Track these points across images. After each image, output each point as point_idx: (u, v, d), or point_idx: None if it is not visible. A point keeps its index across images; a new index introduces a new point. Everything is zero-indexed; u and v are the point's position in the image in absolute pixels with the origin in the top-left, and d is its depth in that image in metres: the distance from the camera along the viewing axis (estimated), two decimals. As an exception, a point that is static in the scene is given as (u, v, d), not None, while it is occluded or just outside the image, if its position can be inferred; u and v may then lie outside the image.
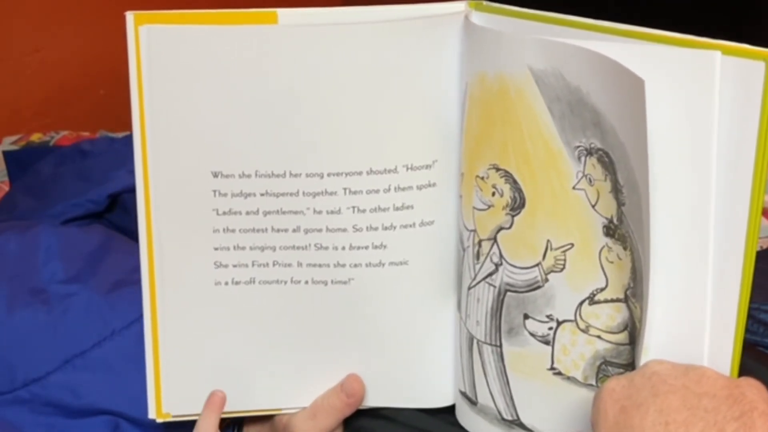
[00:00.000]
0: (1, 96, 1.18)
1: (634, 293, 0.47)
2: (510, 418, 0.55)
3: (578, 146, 0.47)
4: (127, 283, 0.62)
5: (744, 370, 0.46)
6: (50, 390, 0.59)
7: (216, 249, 0.54)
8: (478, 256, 0.53)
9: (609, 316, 0.48)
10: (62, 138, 1.07)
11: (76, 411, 0.59)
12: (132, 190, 0.74)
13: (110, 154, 0.86)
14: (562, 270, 0.49)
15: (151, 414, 0.56)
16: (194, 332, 0.56)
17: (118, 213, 0.79)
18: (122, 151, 0.84)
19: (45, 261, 0.64)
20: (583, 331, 0.49)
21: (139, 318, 0.58)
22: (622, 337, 0.48)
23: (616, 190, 0.46)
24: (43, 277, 0.63)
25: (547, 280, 0.50)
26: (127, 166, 0.76)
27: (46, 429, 0.59)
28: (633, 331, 0.48)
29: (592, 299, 0.49)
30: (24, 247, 0.65)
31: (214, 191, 0.53)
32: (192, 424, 0.57)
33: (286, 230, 0.54)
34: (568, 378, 0.51)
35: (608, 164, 0.46)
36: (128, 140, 0.88)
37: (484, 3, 0.51)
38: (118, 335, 0.60)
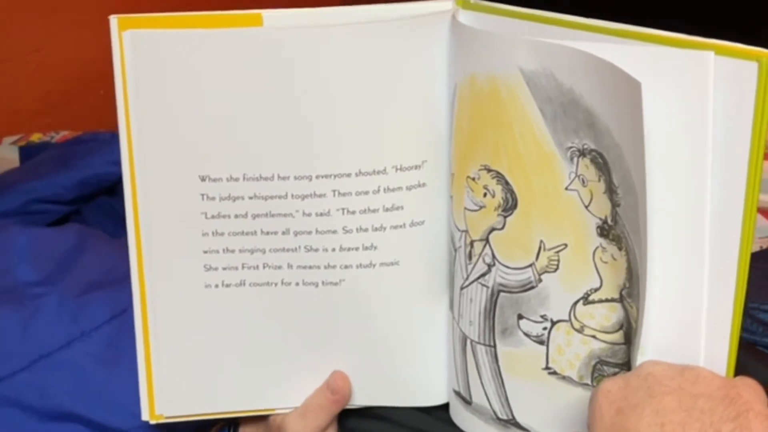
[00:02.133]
0: (1, 96, 1.18)
1: (630, 293, 0.47)
2: (505, 417, 0.54)
3: (570, 147, 0.47)
4: (99, 285, 0.63)
5: (743, 370, 0.45)
6: (18, 389, 0.59)
7: (205, 252, 0.54)
8: (470, 256, 0.53)
9: (604, 316, 0.48)
10: (62, 138, 1.07)
11: (42, 413, 0.59)
12: (107, 179, 0.75)
13: (93, 144, 0.87)
14: (555, 270, 0.49)
15: (144, 416, 0.56)
16: (186, 334, 0.56)
17: (118, 201, 0.79)
18: (108, 141, 0.85)
19: (17, 262, 0.64)
20: (577, 331, 0.49)
21: (110, 320, 0.58)
22: (618, 336, 0.48)
23: (611, 191, 0.46)
24: (14, 278, 0.63)
25: (540, 280, 0.50)
26: (104, 155, 0.77)
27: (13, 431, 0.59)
28: (628, 330, 0.47)
29: (586, 299, 0.48)
30: None
31: (202, 195, 0.53)
32: (180, 425, 0.57)
33: (275, 233, 0.54)
34: (564, 378, 0.50)
35: (602, 165, 0.46)
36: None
37: (472, 1, 0.51)
38: (88, 336, 0.60)
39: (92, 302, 0.61)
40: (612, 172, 0.45)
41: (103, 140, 0.90)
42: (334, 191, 0.52)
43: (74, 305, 0.61)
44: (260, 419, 0.60)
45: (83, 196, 0.80)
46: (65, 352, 0.60)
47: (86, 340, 0.60)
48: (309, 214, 0.53)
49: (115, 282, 0.62)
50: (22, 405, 0.59)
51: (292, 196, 0.53)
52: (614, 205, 0.46)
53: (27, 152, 1.00)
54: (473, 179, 0.52)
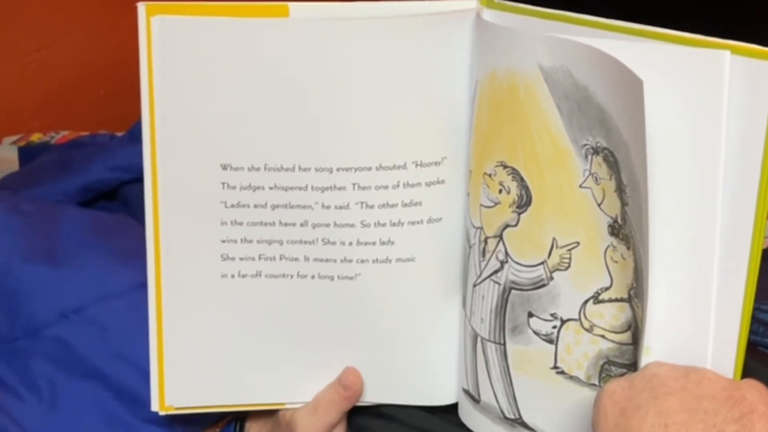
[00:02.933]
0: (1, 96, 1.17)
1: (637, 293, 0.47)
2: (512, 416, 0.55)
3: (585, 144, 0.47)
4: (136, 253, 0.64)
5: (744, 370, 0.46)
6: (46, 343, 0.61)
7: (223, 241, 0.54)
8: (484, 253, 0.54)
9: (613, 316, 0.48)
10: (62, 138, 1.07)
11: (68, 365, 0.60)
12: (107, 184, 0.76)
13: (93, 147, 0.88)
14: (567, 268, 0.49)
15: (154, 407, 0.56)
16: (199, 324, 0.56)
17: (117, 205, 0.80)
18: (107, 145, 0.86)
19: (62, 226, 0.66)
20: (587, 330, 0.49)
21: (137, 287, 0.60)
22: (626, 336, 0.48)
23: (620, 190, 0.46)
24: (58, 239, 0.65)
25: (552, 278, 0.50)
26: (104, 161, 0.79)
27: (42, 383, 0.60)
28: (636, 331, 0.48)
29: (596, 298, 0.49)
30: (44, 211, 0.69)
31: (223, 183, 0.53)
32: (188, 416, 0.57)
33: (293, 224, 0.54)
34: (571, 377, 0.51)
35: (613, 163, 0.46)
36: (116, 136, 0.90)
37: (495, 0, 0.52)
38: (116, 298, 0.62)
39: (125, 267, 0.63)
40: (621, 170, 0.46)
41: (101, 144, 0.91)
42: (353, 184, 0.52)
43: (107, 267, 0.63)
44: (269, 414, 0.59)
45: (84, 202, 0.81)
46: (92, 310, 0.61)
47: (112, 301, 0.62)
48: (328, 207, 0.53)
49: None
50: (52, 358, 0.60)
51: (312, 188, 0.53)
52: (623, 204, 0.46)
53: (27, 152, 1.00)
54: (489, 175, 0.52)
